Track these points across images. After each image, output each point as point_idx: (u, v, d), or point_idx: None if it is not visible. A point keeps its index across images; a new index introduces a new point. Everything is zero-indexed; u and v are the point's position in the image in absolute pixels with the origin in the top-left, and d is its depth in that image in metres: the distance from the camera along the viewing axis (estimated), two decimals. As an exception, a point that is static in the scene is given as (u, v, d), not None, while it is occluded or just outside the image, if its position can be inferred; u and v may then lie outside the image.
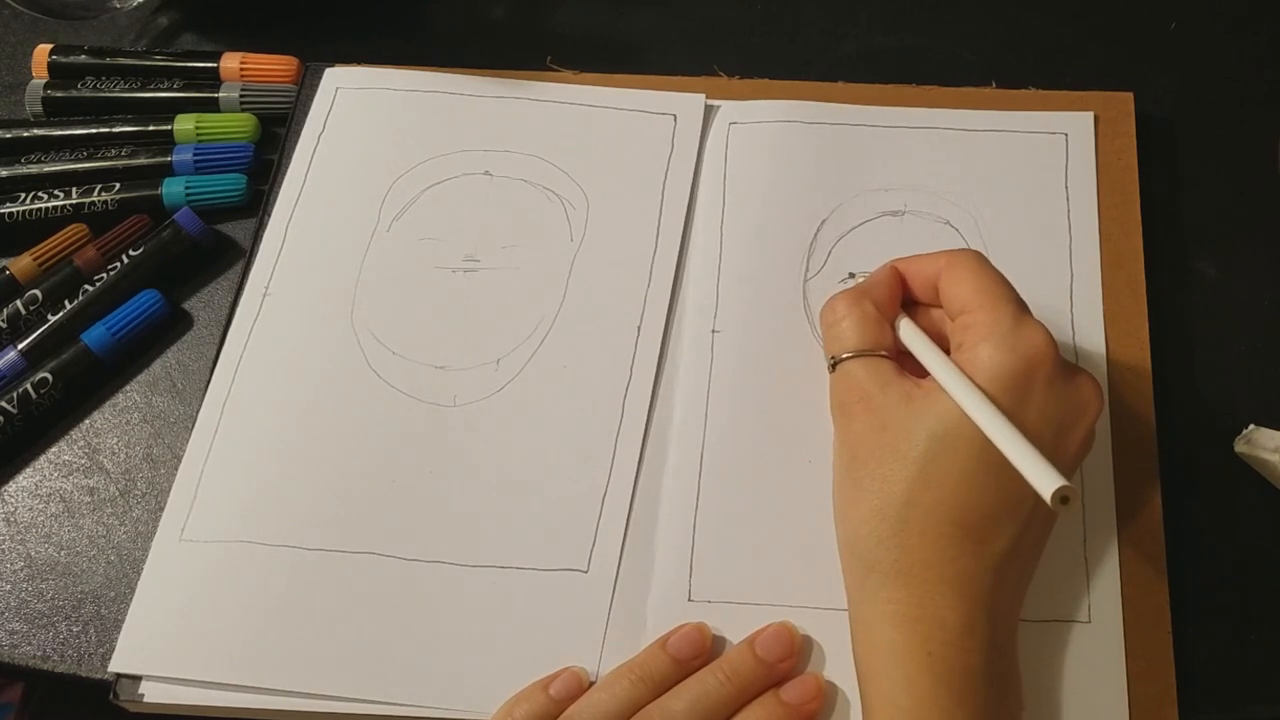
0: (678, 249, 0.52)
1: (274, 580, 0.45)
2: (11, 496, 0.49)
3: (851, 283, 0.48)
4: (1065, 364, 0.40)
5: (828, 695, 0.42)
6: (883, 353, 0.42)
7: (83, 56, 0.59)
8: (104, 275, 0.52)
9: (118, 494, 0.49)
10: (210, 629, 0.44)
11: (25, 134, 0.57)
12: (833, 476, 0.43)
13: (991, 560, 0.39)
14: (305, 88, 0.57)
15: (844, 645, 0.43)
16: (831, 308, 0.44)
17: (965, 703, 0.37)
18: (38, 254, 0.53)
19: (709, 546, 0.45)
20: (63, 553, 0.48)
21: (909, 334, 0.43)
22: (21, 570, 0.48)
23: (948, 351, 0.42)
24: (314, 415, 0.48)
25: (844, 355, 0.43)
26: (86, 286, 0.52)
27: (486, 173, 0.54)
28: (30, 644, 0.46)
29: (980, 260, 0.42)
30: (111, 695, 0.44)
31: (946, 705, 0.37)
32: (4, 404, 0.49)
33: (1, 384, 0.50)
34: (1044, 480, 0.35)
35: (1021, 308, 0.41)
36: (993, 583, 0.39)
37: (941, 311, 0.44)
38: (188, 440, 0.48)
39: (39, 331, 0.51)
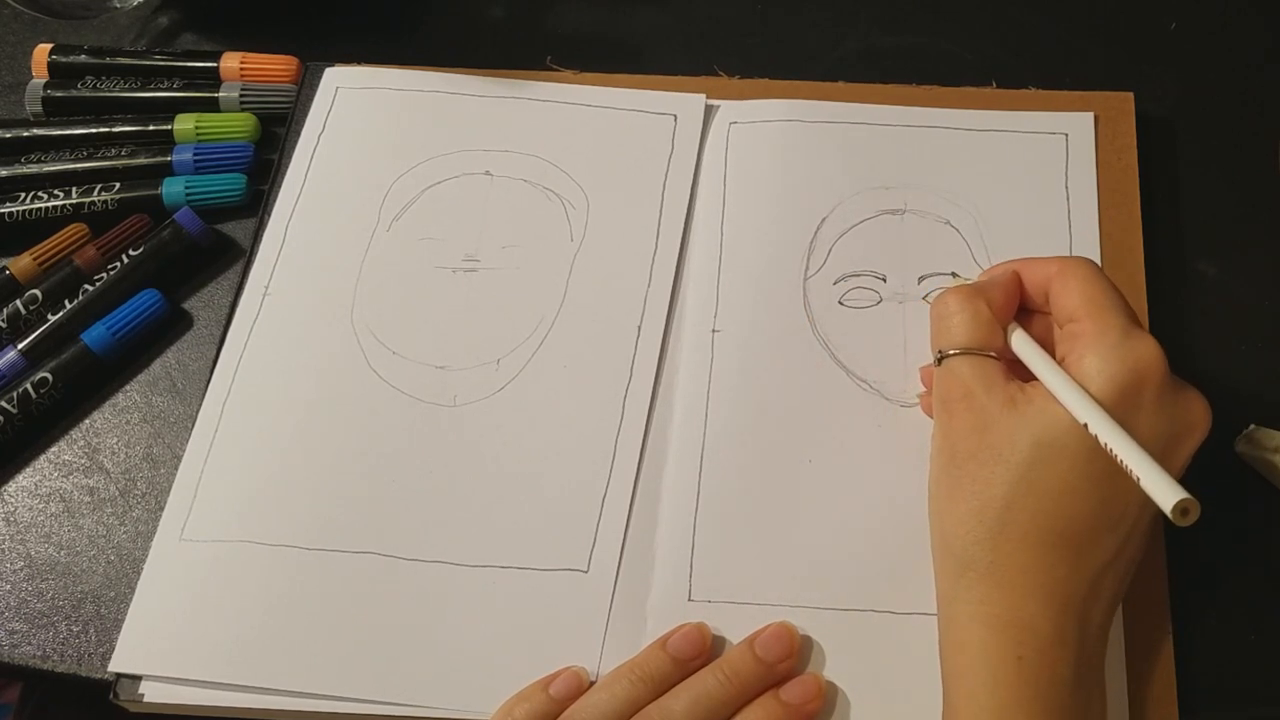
0: (678, 249, 0.52)
1: (274, 580, 0.45)
2: (11, 496, 0.49)
3: (955, 281, 0.48)
4: (1175, 380, 0.40)
5: (828, 695, 0.42)
6: (991, 353, 0.41)
7: (83, 56, 0.59)
8: (104, 275, 0.52)
9: (118, 494, 0.49)
10: (210, 629, 0.44)
11: (25, 134, 0.57)
12: (929, 471, 0.42)
13: (1088, 572, 0.38)
14: (305, 88, 0.57)
15: (844, 645, 0.43)
16: (944, 301, 0.43)
17: (1051, 711, 0.37)
18: (38, 254, 0.53)
19: (709, 546, 0.45)
20: (63, 553, 0.48)
21: (1020, 343, 0.42)
22: (21, 570, 0.48)
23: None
24: (314, 415, 0.48)
25: (951, 351, 0.42)
26: (86, 286, 0.52)
27: (486, 173, 0.54)
28: (30, 644, 0.46)
29: (1091, 269, 0.41)
30: (111, 695, 0.44)
31: (1033, 711, 0.37)
32: (4, 404, 0.49)
33: (1, 384, 0.50)
34: (1164, 492, 0.35)
35: (1131, 319, 0.40)
36: (1087, 594, 0.38)
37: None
38: (188, 440, 0.48)
39: (39, 331, 0.51)
